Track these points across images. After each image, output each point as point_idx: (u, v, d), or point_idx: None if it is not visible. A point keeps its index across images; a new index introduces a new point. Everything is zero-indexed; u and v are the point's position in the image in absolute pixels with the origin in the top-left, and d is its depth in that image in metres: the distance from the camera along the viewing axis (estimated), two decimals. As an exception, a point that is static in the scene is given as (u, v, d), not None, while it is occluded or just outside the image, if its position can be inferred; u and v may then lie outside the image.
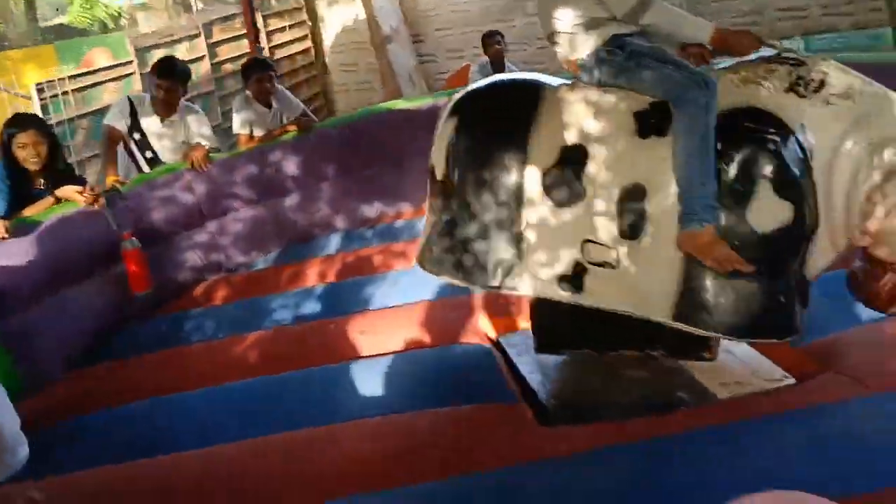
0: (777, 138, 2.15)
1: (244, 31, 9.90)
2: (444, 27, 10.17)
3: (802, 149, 2.15)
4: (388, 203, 4.84)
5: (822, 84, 2.18)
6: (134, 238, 3.60)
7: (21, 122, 3.51)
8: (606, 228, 2.27)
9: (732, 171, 2.16)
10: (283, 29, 10.83)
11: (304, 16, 11.61)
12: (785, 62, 2.22)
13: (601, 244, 2.30)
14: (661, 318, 2.29)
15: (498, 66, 5.95)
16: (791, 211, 2.15)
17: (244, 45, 9.83)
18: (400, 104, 5.00)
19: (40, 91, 6.24)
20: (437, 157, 2.51)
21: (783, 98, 2.19)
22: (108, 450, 2.36)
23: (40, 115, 6.32)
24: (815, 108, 2.18)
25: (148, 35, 8.14)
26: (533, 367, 2.79)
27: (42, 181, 3.53)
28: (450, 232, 2.47)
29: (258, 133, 4.59)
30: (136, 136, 4.12)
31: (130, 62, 7.32)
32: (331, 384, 2.66)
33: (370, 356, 2.90)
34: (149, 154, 4.15)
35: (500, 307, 3.15)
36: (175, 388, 2.74)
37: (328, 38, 12.13)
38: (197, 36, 8.57)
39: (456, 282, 2.51)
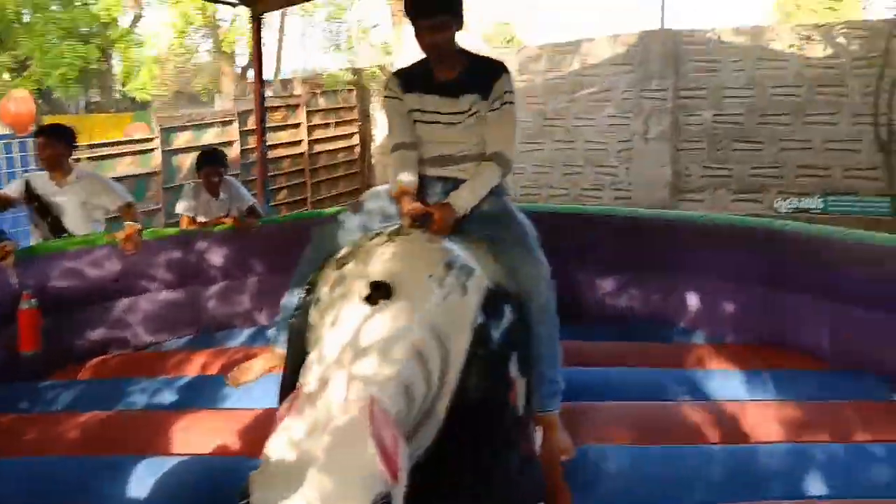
0: (308, 298, 2.27)
1: (284, 122, 10.48)
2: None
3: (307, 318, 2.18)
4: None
5: (341, 264, 2.19)
6: (33, 299, 3.76)
7: None
8: None
9: None
10: (326, 125, 11.39)
11: (353, 115, 12.22)
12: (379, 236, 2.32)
13: None
14: None
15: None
16: None
17: (282, 136, 10.38)
18: (338, 210, 5.13)
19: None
20: None
21: (331, 263, 2.28)
22: None
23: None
24: (324, 283, 2.20)
25: (176, 116, 8.69)
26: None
27: None
28: None
29: (201, 219, 4.80)
30: (35, 203, 4.27)
31: (153, 139, 7.82)
32: (100, 475, 2.67)
33: (166, 454, 2.90)
34: (49, 219, 4.28)
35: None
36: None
37: (378, 139, 12.67)
38: (231, 122, 9.09)
39: None
